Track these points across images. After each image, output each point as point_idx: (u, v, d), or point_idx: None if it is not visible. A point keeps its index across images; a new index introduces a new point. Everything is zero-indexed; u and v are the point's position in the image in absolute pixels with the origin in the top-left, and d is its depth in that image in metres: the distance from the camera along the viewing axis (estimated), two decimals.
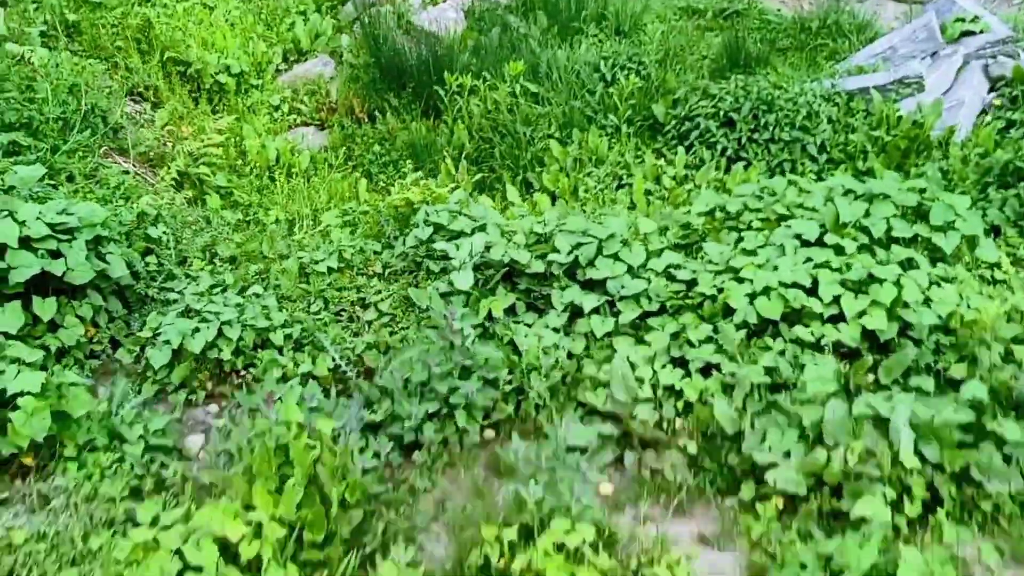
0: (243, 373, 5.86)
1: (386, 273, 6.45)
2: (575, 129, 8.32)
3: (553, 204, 7.71)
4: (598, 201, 7.55)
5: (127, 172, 7.14)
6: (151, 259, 6.34)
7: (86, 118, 7.15)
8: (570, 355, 5.84)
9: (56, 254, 5.73)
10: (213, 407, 5.78)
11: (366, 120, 9.09)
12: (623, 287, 5.99)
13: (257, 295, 6.10)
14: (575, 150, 8.13)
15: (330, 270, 6.44)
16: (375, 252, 6.61)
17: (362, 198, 8.00)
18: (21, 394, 4.92)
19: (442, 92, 8.65)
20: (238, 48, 9.52)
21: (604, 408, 5.54)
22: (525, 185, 8.05)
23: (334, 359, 5.79)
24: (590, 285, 6.08)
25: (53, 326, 5.73)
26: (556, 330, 5.93)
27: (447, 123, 8.60)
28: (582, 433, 5.33)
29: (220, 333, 5.75)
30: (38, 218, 5.71)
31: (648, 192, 7.75)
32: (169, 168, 7.46)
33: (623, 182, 7.88)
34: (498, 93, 8.49)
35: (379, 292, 6.22)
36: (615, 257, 6.11)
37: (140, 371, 5.84)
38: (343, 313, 6.22)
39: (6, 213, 5.62)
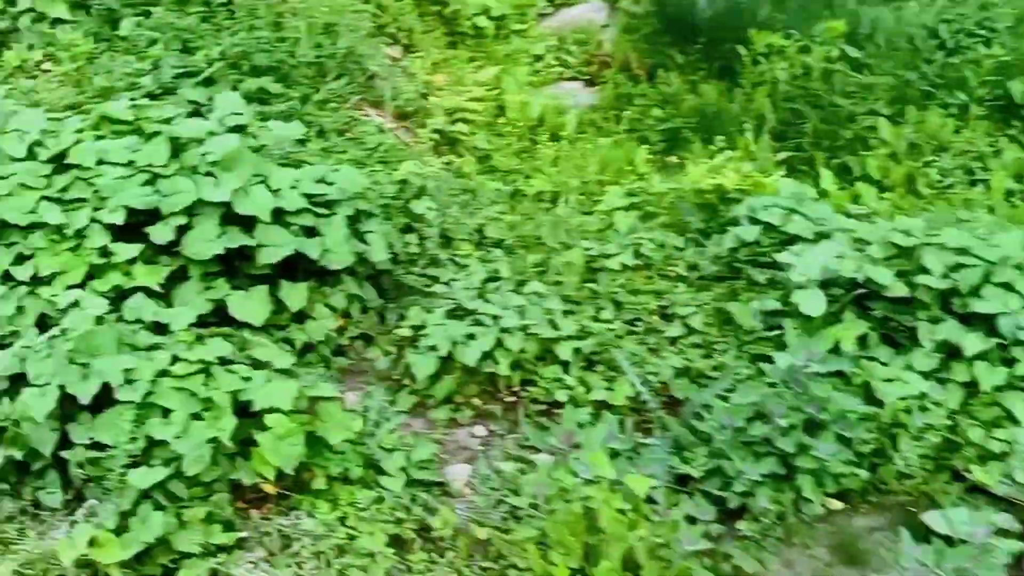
0: (519, 391, 4.79)
1: (692, 277, 5.21)
2: (909, 106, 6.76)
3: (880, 196, 6.24)
4: (947, 200, 6.02)
5: (380, 129, 6.16)
6: (411, 238, 5.34)
7: (342, 63, 6.20)
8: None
9: (311, 231, 4.79)
10: (479, 429, 4.76)
11: (644, 78, 7.80)
12: (1020, 328, 4.54)
13: (538, 294, 4.99)
14: (910, 132, 6.58)
15: (624, 267, 5.26)
16: (677, 248, 5.37)
17: (639, 171, 6.76)
18: (270, 410, 4.00)
19: (743, 51, 7.24)
20: None
21: (996, 490, 4.22)
22: (842, 170, 6.58)
23: (634, 385, 4.63)
24: (971, 320, 4.65)
25: (299, 316, 4.82)
26: (924, 375, 4.55)
27: (744, 88, 7.20)
28: (969, 521, 4.03)
29: (498, 342, 4.68)
30: (293, 187, 4.79)
31: (1009, 193, 6.15)
32: (426, 126, 6.44)
33: (976, 177, 6.29)
34: (811, 56, 7.00)
35: (687, 303, 4.98)
36: (1008, 287, 4.64)
37: (396, 376, 4.87)
38: (638, 323, 5.03)
39: (260, 179, 4.71)
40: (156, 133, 4.78)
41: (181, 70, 5.74)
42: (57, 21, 6.42)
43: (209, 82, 5.73)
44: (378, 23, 7.48)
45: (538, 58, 8.20)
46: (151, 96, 5.67)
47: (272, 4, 6.69)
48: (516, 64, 7.99)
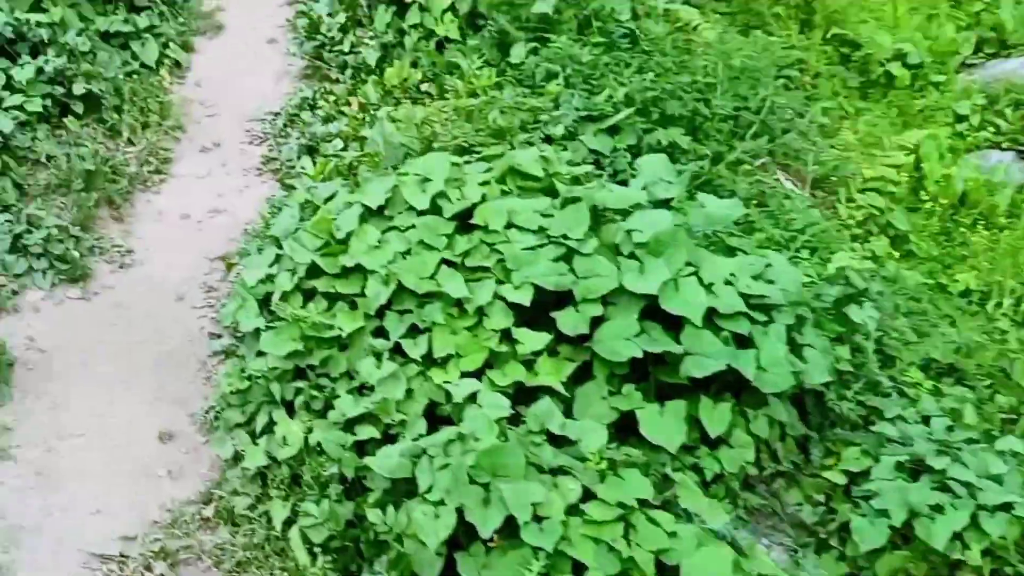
0: None
1: None
2: None
3: None
4: None
5: (803, 202, 5.31)
6: (841, 351, 4.47)
7: (765, 118, 5.40)
8: None
9: (742, 340, 4.03)
10: None
11: None
12: None
13: (1016, 454, 3.99)
14: None
15: None
16: None
17: None
18: None
19: None
20: (916, 30, 7.35)
21: None
22: None
23: None
24: None
25: (712, 440, 4.09)
26: None
27: None
28: None
29: (972, 520, 3.74)
30: (728, 283, 4.04)
31: None
32: (845, 201, 5.55)
33: None
34: None
35: None
36: None
37: (822, 533, 4.04)
38: None
39: (692, 270, 4.01)
40: (575, 199, 4.19)
41: (582, 113, 5.15)
42: (445, 41, 6.07)
43: (613, 130, 5.12)
44: (782, 66, 6.63)
45: (960, 118, 7.06)
46: (547, 139, 5.14)
47: (676, 36, 6.02)
48: (934, 124, 6.92)
